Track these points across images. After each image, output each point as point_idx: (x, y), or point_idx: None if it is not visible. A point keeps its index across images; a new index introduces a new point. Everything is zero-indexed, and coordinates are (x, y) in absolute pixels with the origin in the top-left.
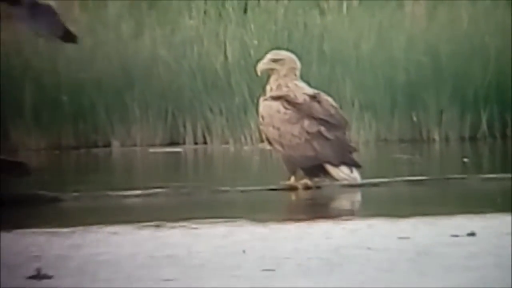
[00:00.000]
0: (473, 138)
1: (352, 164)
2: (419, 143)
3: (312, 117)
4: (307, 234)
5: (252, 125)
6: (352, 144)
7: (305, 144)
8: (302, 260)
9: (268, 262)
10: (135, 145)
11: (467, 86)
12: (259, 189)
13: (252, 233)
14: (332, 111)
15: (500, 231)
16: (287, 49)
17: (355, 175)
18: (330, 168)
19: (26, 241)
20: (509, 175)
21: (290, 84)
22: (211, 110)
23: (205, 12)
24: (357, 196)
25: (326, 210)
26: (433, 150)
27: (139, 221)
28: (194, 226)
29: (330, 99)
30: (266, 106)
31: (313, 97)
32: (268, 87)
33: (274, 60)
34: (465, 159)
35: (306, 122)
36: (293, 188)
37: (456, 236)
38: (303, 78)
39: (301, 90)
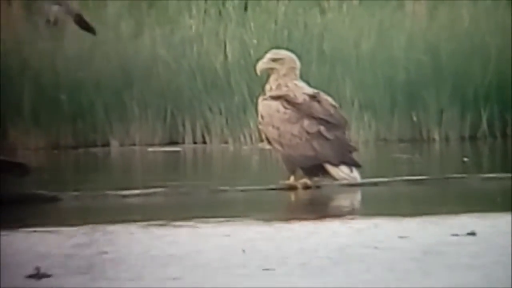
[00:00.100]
0: (473, 138)
1: (352, 163)
2: (419, 143)
3: (312, 116)
4: (309, 233)
5: (252, 125)
6: (352, 144)
7: (304, 144)
8: (305, 259)
9: (272, 261)
10: (134, 144)
11: (467, 85)
12: (258, 188)
13: (255, 232)
14: (332, 110)
15: (500, 230)
16: (287, 49)
17: (355, 175)
18: (329, 167)
19: (25, 240)
20: (509, 175)
21: (289, 84)
22: (210, 109)
23: (205, 12)
24: (357, 196)
25: (327, 209)
26: (433, 149)
27: (138, 221)
28: (196, 225)
29: (329, 99)
30: (265, 106)
31: (313, 97)
32: (267, 87)
33: (274, 60)
34: (465, 159)
35: (305, 122)
36: (292, 188)
37: (456, 235)
38: (302, 77)
39: (301, 90)
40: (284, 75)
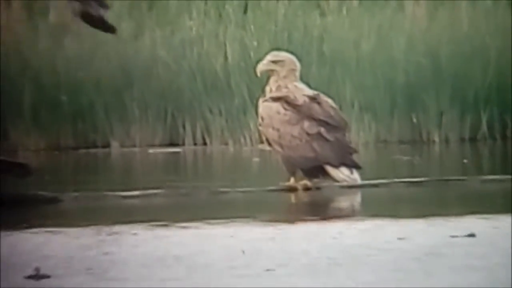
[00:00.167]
0: (473, 140)
1: (352, 165)
2: (419, 145)
3: (312, 118)
4: (311, 234)
5: (252, 126)
6: (352, 145)
7: (305, 145)
8: (308, 261)
9: (274, 262)
10: (134, 145)
11: (467, 87)
12: (258, 190)
13: (256, 233)
14: (332, 112)
15: (500, 232)
16: (287, 50)
17: (355, 176)
18: (330, 169)
19: (25, 241)
20: (509, 176)
21: (289, 85)
22: (210, 111)
23: (205, 13)
24: (357, 197)
25: (327, 211)
26: (433, 151)
27: (139, 222)
28: (196, 226)
29: (330, 100)
30: (265, 107)
31: (313, 98)
32: (267, 88)
33: (274, 61)
34: (465, 161)
35: (306, 123)
36: (292, 189)
37: (456, 237)
38: (303, 79)
39: (301, 91)
40: (284, 76)
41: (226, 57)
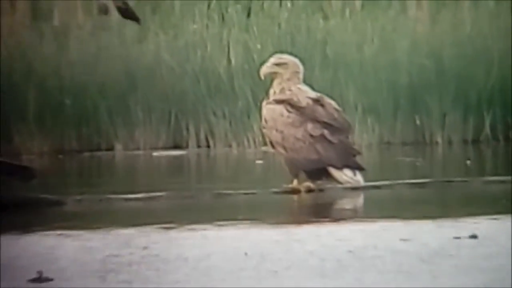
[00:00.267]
0: (476, 141)
1: (356, 167)
2: (422, 146)
3: (316, 120)
4: (315, 236)
5: (255, 129)
6: (355, 147)
7: (308, 147)
8: (312, 262)
9: (278, 264)
10: (138, 148)
11: (470, 89)
12: (262, 192)
13: (262, 236)
14: (335, 114)
15: (503, 233)
16: (290, 53)
17: (358, 178)
18: (333, 171)
19: (28, 244)
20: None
21: (293, 88)
22: (214, 113)
23: (208, 17)
24: (361, 199)
25: (331, 213)
26: (436, 153)
27: (142, 224)
28: (200, 228)
29: (333, 103)
30: (269, 110)
31: (316, 101)
32: (271, 91)
33: (277, 64)
34: (468, 162)
35: (309, 126)
36: (295, 191)
37: (459, 238)
38: (306, 81)
39: (304, 94)
40: (288, 79)
41: (229, 60)
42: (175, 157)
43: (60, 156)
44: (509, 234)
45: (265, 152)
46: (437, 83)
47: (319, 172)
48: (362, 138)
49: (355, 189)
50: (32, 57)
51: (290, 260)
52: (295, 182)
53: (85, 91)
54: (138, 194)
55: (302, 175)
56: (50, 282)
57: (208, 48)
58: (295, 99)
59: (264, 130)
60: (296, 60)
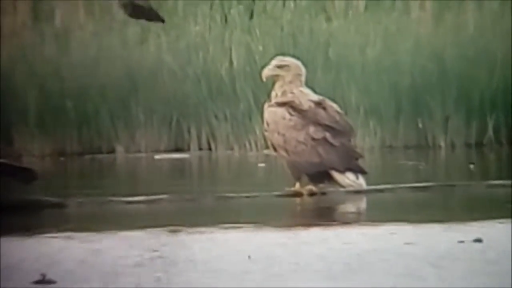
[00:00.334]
0: (479, 144)
1: (358, 170)
2: (425, 149)
3: (318, 123)
4: (319, 239)
5: (257, 131)
6: (358, 150)
7: (310, 150)
8: (316, 266)
9: (282, 268)
10: (139, 151)
11: (473, 91)
12: (264, 195)
13: (267, 239)
14: (337, 117)
15: (507, 237)
16: (293, 55)
17: (361, 182)
18: (335, 174)
19: (30, 246)
20: None
21: (295, 90)
22: (216, 116)
23: (210, 18)
24: (363, 203)
25: (334, 216)
26: (439, 156)
27: (144, 227)
28: (203, 231)
29: (335, 106)
30: (271, 113)
31: (318, 104)
32: (273, 93)
33: (279, 66)
34: (471, 165)
35: (311, 129)
36: (298, 194)
37: (463, 242)
38: (308, 84)
39: (306, 97)
40: (290, 81)
41: (231, 62)
42: (177, 160)
43: (61, 158)
44: None
45: (267, 155)
46: (440, 86)
47: (321, 175)
48: (364, 141)
49: (357, 192)
50: (33, 58)
51: (296, 263)
52: (297, 185)
53: (87, 93)
54: (140, 197)
55: (305, 178)
56: (54, 285)
57: (210, 50)
58: (297, 102)
59: (266, 133)
60: (298, 63)
